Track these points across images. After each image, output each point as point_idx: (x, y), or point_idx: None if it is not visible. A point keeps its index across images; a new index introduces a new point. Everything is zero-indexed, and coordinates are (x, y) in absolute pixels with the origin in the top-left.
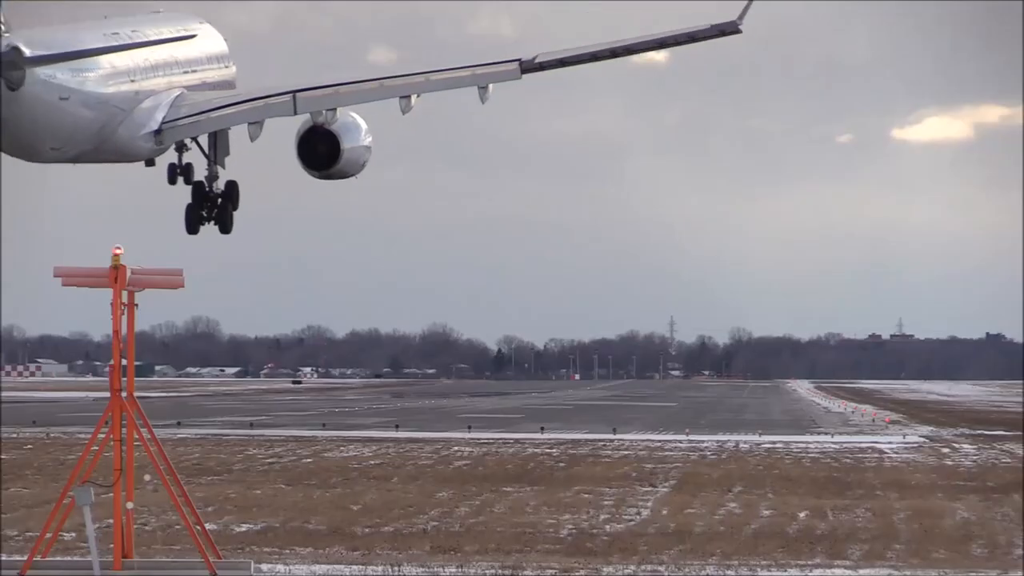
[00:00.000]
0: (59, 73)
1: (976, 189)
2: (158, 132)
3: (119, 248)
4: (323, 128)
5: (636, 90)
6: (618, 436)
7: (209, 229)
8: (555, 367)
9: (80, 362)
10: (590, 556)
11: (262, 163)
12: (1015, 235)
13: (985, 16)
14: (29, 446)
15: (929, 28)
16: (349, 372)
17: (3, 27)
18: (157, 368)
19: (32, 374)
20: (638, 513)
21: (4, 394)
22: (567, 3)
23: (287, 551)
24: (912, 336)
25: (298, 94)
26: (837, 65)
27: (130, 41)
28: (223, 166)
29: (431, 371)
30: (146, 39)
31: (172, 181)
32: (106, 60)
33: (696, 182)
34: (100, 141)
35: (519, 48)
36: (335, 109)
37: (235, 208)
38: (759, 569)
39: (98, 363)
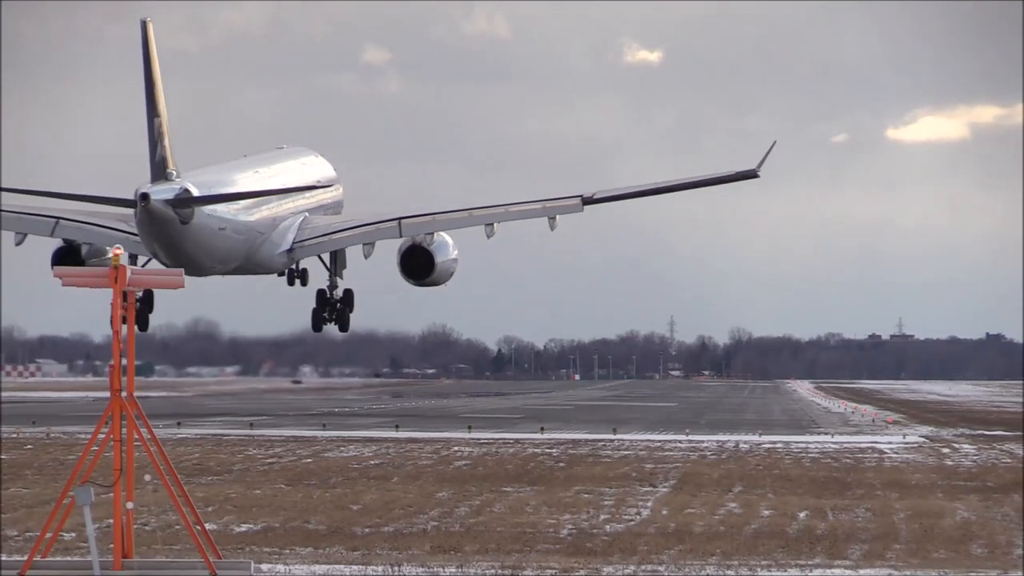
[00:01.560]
0: (219, 208)
1: (974, 189)
2: (290, 250)
3: (119, 248)
4: (421, 246)
5: (631, 90)
6: (618, 436)
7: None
8: (555, 367)
9: (80, 362)
10: (590, 556)
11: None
12: (1015, 235)
13: (981, 16)
14: (29, 446)
15: (924, 28)
16: (348, 371)
17: (175, 172)
18: (157, 368)
19: (32, 374)
20: (638, 513)
21: (4, 394)
22: (565, 3)
23: (287, 551)
24: (912, 336)
25: (403, 220)
26: (832, 65)
27: (269, 179)
28: (341, 277)
29: (431, 371)
30: (278, 176)
31: (291, 283)
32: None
33: None
34: (247, 259)
35: (517, 48)
36: (432, 232)
37: (351, 311)
38: (759, 569)
39: (98, 363)
